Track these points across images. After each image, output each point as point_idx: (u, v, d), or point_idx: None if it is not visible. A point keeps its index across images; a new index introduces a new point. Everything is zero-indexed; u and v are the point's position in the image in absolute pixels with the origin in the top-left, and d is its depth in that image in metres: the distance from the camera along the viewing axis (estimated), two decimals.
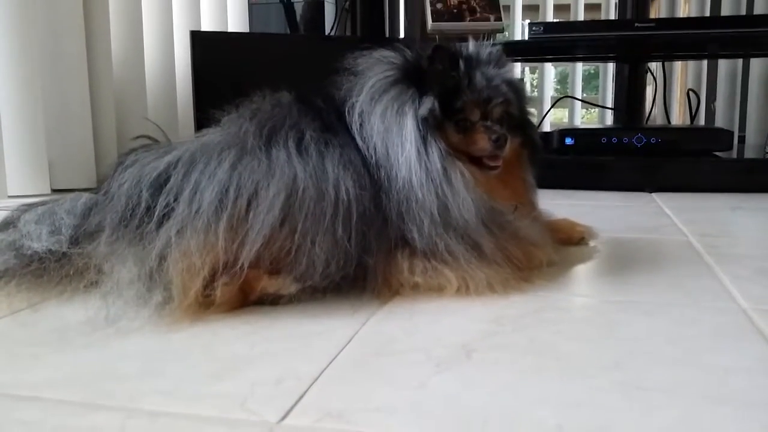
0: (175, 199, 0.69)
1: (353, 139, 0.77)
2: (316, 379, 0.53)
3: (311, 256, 0.68)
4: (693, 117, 2.25)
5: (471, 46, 0.84)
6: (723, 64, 2.57)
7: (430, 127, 0.77)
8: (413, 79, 0.79)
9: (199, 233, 0.66)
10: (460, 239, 0.75)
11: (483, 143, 0.79)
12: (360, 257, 0.71)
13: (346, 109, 0.79)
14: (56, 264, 0.74)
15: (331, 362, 0.56)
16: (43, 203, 0.86)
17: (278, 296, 0.70)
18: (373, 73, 0.80)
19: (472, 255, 0.75)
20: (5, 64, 1.60)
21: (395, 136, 0.76)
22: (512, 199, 0.84)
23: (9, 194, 1.60)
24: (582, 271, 0.89)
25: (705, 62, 2.72)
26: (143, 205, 0.70)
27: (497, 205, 0.79)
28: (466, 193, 0.76)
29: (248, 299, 0.70)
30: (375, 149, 0.76)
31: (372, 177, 0.74)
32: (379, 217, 0.73)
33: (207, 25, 2.27)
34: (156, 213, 0.68)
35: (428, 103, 0.77)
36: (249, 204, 0.68)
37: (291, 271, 0.69)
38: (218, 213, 0.67)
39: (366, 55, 0.84)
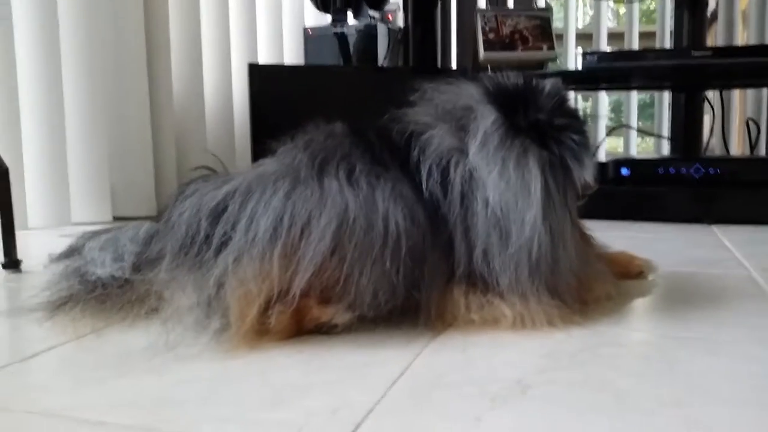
0: (233, 228, 0.70)
1: (408, 174, 0.76)
2: (371, 410, 0.53)
3: (359, 286, 0.69)
4: (753, 147, 2.19)
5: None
6: None
7: (573, 191, 0.78)
8: (523, 124, 0.78)
9: (255, 261, 0.68)
10: (545, 287, 0.74)
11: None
12: (408, 291, 0.71)
13: (418, 146, 0.78)
14: (119, 290, 0.76)
15: (385, 393, 0.56)
16: (106, 231, 0.89)
17: (332, 325, 0.71)
18: (475, 117, 0.79)
19: (544, 296, 0.74)
20: (73, 97, 1.67)
21: (520, 193, 0.74)
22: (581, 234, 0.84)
23: (73, 221, 1.66)
24: (640, 305, 0.88)
25: (765, 90, 2.66)
26: (202, 233, 0.71)
27: (584, 251, 0.80)
28: (575, 253, 0.77)
29: (303, 328, 0.71)
30: (481, 201, 0.74)
31: (430, 214, 0.74)
32: (435, 254, 0.73)
33: (264, 58, 2.34)
34: (214, 241, 0.70)
35: (590, 168, 0.79)
36: (302, 232, 0.69)
37: (340, 300, 0.70)
38: (273, 241, 0.68)
39: (442, 89, 0.83)
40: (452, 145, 0.78)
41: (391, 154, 0.78)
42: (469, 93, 0.82)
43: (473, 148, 0.77)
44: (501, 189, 0.74)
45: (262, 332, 0.68)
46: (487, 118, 0.78)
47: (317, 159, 0.76)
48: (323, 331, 0.71)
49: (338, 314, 0.70)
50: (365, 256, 0.69)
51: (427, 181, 0.76)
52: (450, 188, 0.76)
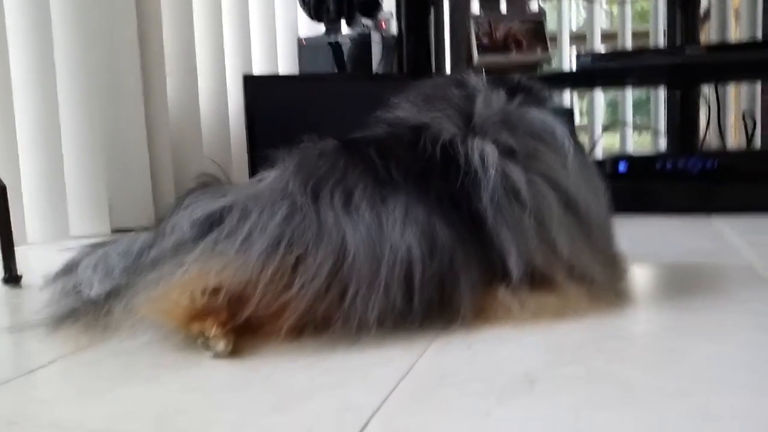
0: (227, 237, 0.68)
1: (431, 187, 0.72)
2: (377, 410, 0.53)
3: (362, 318, 0.66)
4: (749, 140, 2.20)
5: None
6: None
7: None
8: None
9: (234, 262, 0.66)
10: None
11: None
12: (419, 315, 0.69)
13: (462, 154, 0.75)
14: (112, 302, 0.75)
15: (390, 393, 0.56)
16: (102, 245, 0.87)
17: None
18: (536, 127, 0.80)
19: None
20: (69, 111, 1.68)
21: (593, 188, 0.84)
22: None
23: (71, 234, 1.66)
24: (642, 297, 0.87)
25: (759, 85, 2.67)
26: (192, 239, 0.71)
27: None
28: None
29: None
30: (556, 203, 0.77)
31: (463, 226, 0.71)
32: (472, 268, 0.71)
33: (258, 66, 2.34)
34: (201, 244, 0.69)
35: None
36: (296, 263, 0.66)
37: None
38: (265, 263, 0.66)
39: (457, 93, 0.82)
40: (502, 150, 0.76)
41: (399, 169, 0.73)
42: (499, 97, 0.81)
43: (560, 160, 0.79)
44: (583, 188, 0.80)
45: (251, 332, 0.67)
46: (555, 128, 0.80)
47: (309, 184, 0.72)
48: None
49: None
50: (368, 292, 0.66)
51: (481, 188, 0.73)
52: (509, 194, 0.74)
